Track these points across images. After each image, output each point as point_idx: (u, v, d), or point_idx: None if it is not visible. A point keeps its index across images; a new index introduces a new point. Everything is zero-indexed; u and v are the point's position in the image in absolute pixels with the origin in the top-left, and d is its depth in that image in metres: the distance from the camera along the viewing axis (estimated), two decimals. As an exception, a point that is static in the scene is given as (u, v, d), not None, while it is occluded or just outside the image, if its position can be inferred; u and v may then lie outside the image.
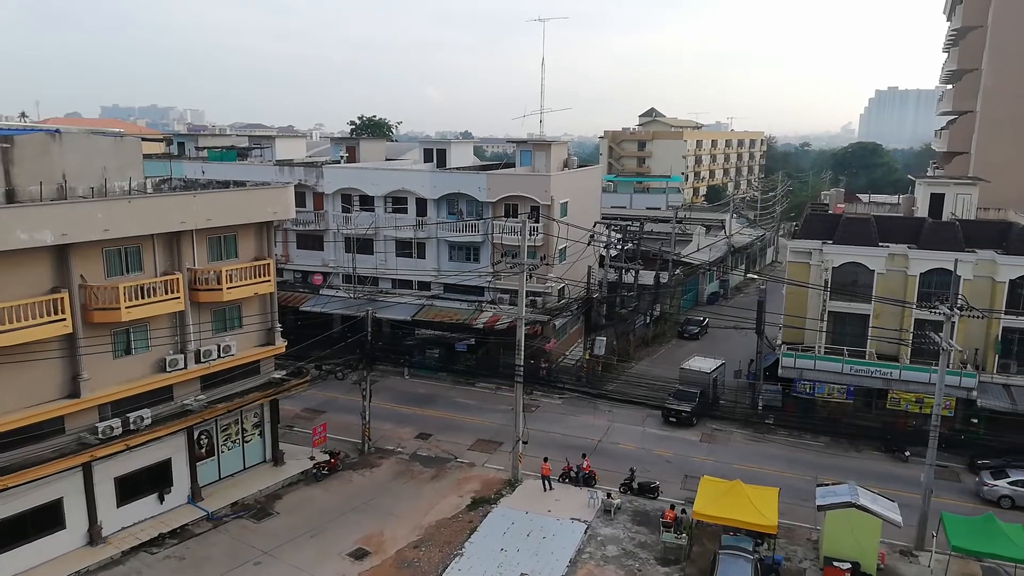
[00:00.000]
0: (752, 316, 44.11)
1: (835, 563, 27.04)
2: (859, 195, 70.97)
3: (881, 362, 40.57)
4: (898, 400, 40.08)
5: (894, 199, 65.03)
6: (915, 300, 39.73)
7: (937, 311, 31.03)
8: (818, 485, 30.32)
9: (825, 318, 41.70)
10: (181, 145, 60.83)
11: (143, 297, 28.02)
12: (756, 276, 73.82)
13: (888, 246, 41.15)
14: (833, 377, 40.99)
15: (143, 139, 40.49)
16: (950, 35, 66.29)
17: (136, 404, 28.96)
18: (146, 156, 38.49)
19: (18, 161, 28.47)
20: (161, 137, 69.62)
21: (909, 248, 40.70)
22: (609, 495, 32.52)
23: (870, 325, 41.10)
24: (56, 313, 25.51)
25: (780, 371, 42.09)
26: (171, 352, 30.26)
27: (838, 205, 57.97)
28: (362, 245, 51.29)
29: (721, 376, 46.07)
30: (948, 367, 30.68)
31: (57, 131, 31.68)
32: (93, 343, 27.28)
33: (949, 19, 68.75)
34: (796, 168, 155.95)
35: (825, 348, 41.79)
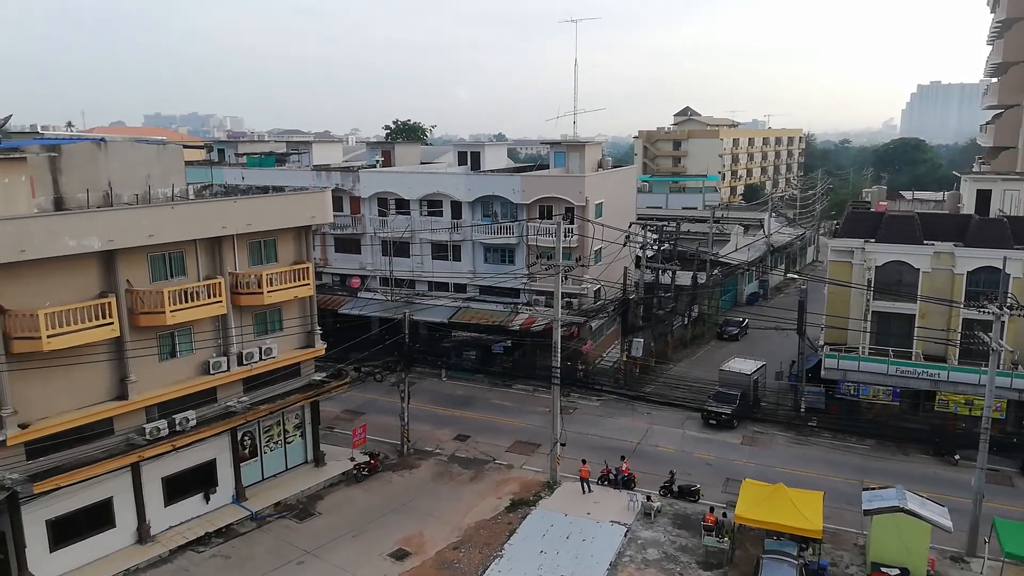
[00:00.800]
0: (793, 317, 43.37)
1: (883, 569, 26.43)
2: (902, 192, 69.40)
3: (928, 363, 39.58)
4: (946, 402, 39.05)
5: (939, 196, 63.51)
6: (962, 299, 38.68)
7: (986, 310, 30.16)
8: (864, 489, 29.67)
9: (869, 318, 40.82)
10: (221, 152, 62.03)
11: (187, 301, 28.60)
12: (796, 276, 72.55)
13: (933, 244, 40.13)
14: (878, 379, 40.09)
15: (185, 146, 41.25)
16: (995, 27, 64.52)
17: (182, 406, 29.56)
18: (188, 163, 39.37)
19: (66, 169, 29.35)
20: (202, 144, 71.00)
21: (955, 246, 39.64)
22: (649, 498, 32.24)
23: (916, 325, 40.12)
24: (104, 317, 26.16)
25: (823, 372, 41.31)
26: (214, 355, 30.83)
27: (880, 203, 56.70)
28: (398, 248, 51.69)
29: (762, 378, 45.38)
30: (998, 368, 29.76)
31: (102, 139, 32.47)
32: (140, 346, 27.92)
33: (993, 11, 66.89)
34: (836, 165, 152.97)
35: (869, 349, 40.91)
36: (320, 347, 35.42)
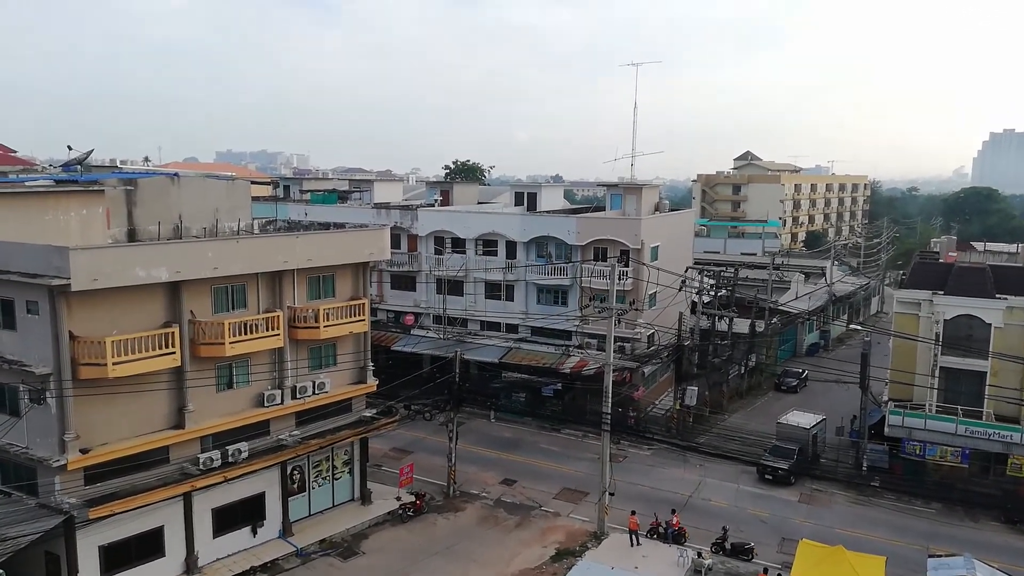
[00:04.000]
0: (855, 370, 41.85)
1: (950, 644, 24.81)
2: (973, 243, 66.89)
3: (1000, 424, 37.63)
4: (1019, 466, 36.95)
5: (1012, 248, 60.97)
6: (1039, 358, 36.79)
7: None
8: (929, 556, 28.07)
9: (937, 374, 39.11)
10: (287, 188, 63.97)
11: (246, 333, 29.27)
12: (860, 327, 70.25)
13: (1006, 298, 38.43)
14: (946, 438, 38.24)
15: (252, 182, 42.76)
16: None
17: (235, 437, 30.05)
18: (254, 198, 40.67)
19: (140, 203, 30.67)
20: (269, 180, 73.44)
21: (1031, 302, 37.87)
22: (700, 554, 31.17)
23: (987, 383, 38.25)
24: (167, 347, 26.94)
25: (886, 430, 39.63)
26: (269, 387, 31.37)
27: (949, 253, 54.65)
28: (452, 286, 52.09)
29: (821, 433, 43.74)
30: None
31: (176, 175, 33.90)
32: (199, 376, 28.60)
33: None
34: (903, 214, 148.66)
35: (937, 407, 39.11)
36: (372, 383, 35.71)
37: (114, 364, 25.24)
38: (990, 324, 38.16)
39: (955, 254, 54.02)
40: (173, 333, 27.23)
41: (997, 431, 37.30)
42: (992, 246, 64.44)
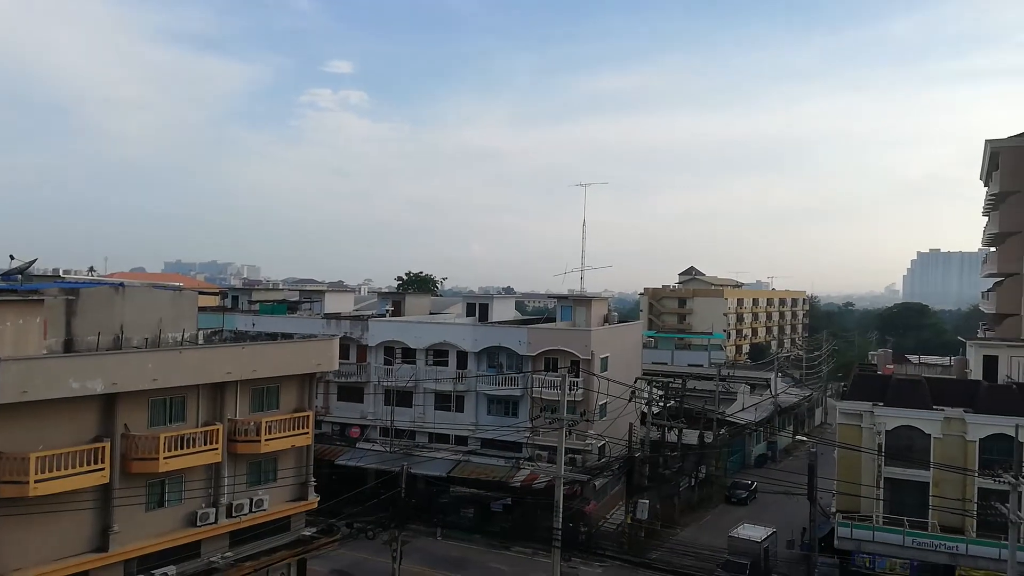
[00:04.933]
0: (803, 481, 41.94)
1: None
2: (908, 356, 69.39)
3: (945, 535, 37.84)
4: (968, 578, 36.91)
5: (945, 361, 63.37)
6: (976, 468, 37.58)
7: (1001, 480, 29.21)
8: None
9: (882, 485, 39.52)
10: (235, 299, 63.31)
11: (182, 448, 28.13)
12: (806, 438, 71.04)
13: (943, 409, 39.59)
14: (894, 550, 38.22)
15: (200, 292, 42.26)
16: (989, 199, 67.11)
17: (162, 560, 28.25)
18: (201, 309, 40.04)
19: (80, 312, 29.91)
20: (217, 291, 72.66)
21: (965, 412, 39.08)
22: None
23: (931, 494, 38.75)
24: (96, 462, 25.68)
25: (836, 542, 39.45)
26: (203, 505, 29.87)
27: (887, 366, 56.59)
28: (401, 397, 51.38)
29: (773, 546, 43.26)
30: (1019, 542, 28.34)
31: (121, 284, 33.36)
32: (128, 494, 27.14)
33: (987, 184, 69.93)
34: (840, 327, 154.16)
35: (884, 518, 39.28)
36: (313, 500, 34.34)
37: (36, 482, 23.85)
38: (929, 435, 39.09)
39: (892, 367, 55.95)
40: (103, 448, 26.03)
41: (943, 542, 37.44)
42: (926, 359, 66.96)
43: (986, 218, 71.15)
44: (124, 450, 27.18)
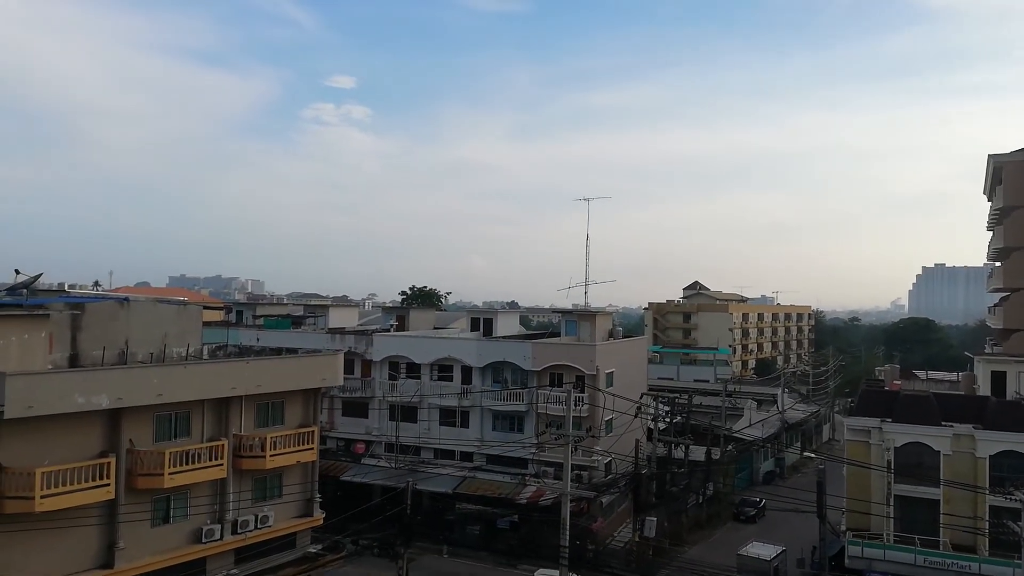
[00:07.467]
0: (812, 498, 41.53)
1: None
2: (915, 371, 68.99)
3: (957, 553, 37.38)
4: (981, 598, 36.41)
5: (953, 376, 62.98)
6: (987, 485, 37.19)
7: (1012, 498, 28.88)
8: None
9: (892, 502, 39.11)
10: (240, 313, 63.30)
11: (187, 463, 28.00)
12: (814, 455, 70.51)
13: (952, 425, 39.25)
14: (906, 569, 37.71)
15: (204, 307, 42.28)
16: (993, 214, 67.02)
17: (167, 577, 28.02)
18: (206, 324, 40.03)
19: (85, 327, 29.88)
20: (221, 305, 72.74)
21: (975, 428, 38.73)
22: None
23: (941, 511, 38.32)
24: (101, 478, 25.55)
25: (847, 561, 39.00)
26: (208, 522, 29.69)
27: (894, 382, 56.25)
28: (406, 413, 51.14)
29: (782, 565, 42.79)
30: (1035, 562, 28.01)
31: (126, 299, 33.35)
32: (133, 510, 26.97)
33: (990, 199, 69.84)
34: (846, 343, 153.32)
35: (894, 536, 38.84)
36: (319, 516, 34.11)
37: (42, 498, 23.74)
38: (939, 452, 38.72)
39: (899, 382, 55.60)
40: (109, 463, 25.90)
41: (955, 561, 36.98)
42: (934, 374, 66.57)
43: (991, 233, 70.99)
44: (129, 465, 27.05)
